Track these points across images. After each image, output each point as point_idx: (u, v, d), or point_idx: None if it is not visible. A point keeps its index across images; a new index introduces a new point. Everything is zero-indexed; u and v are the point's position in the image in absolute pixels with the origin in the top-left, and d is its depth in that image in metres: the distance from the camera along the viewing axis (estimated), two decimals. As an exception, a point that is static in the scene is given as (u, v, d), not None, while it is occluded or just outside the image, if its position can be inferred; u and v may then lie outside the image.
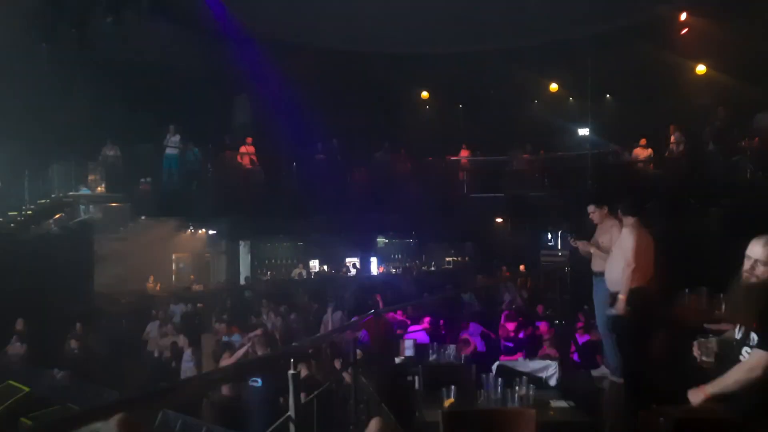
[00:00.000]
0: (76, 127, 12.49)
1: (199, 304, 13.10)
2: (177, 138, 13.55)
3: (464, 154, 15.90)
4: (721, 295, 5.94)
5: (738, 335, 2.98)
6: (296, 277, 18.66)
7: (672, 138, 12.72)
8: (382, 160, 15.52)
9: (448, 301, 11.07)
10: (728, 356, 3.00)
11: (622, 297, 4.57)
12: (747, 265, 2.89)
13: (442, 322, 9.55)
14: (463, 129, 17.40)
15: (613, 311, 4.73)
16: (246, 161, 14.50)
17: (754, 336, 2.86)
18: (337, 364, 7.13)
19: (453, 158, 15.88)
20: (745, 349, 2.90)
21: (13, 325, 9.83)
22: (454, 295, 12.03)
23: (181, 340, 9.07)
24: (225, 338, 8.86)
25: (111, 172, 13.01)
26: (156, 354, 9.85)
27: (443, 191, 15.52)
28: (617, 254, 4.83)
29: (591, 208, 5.53)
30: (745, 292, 2.91)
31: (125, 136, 12.96)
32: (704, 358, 3.07)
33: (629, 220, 4.87)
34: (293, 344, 8.34)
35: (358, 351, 7.68)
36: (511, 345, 8.57)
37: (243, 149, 14.47)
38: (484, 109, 17.31)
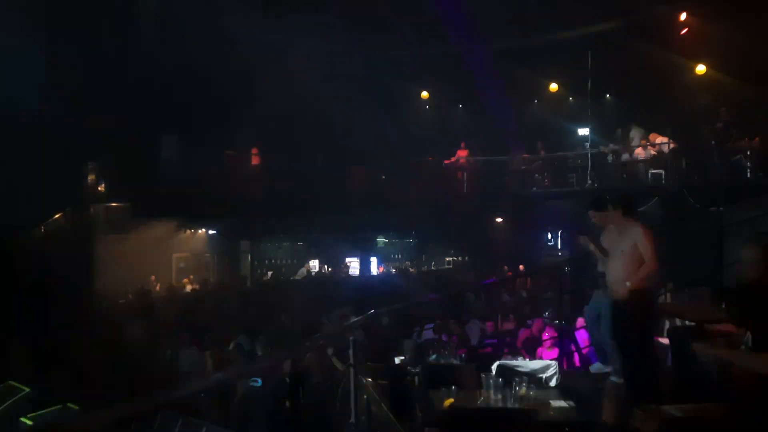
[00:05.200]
0: (77, 126, 12.48)
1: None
2: (175, 138, 13.57)
3: (463, 153, 15.90)
4: (719, 296, 5.94)
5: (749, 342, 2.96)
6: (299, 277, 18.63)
7: (658, 140, 12.91)
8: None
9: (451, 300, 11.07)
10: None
11: (629, 284, 4.57)
12: (740, 268, 3.01)
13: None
14: (463, 129, 17.41)
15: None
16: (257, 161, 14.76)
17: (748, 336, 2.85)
18: (338, 363, 7.13)
19: (453, 158, 15.88)
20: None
21: (13, 325, 9.83)
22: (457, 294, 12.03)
23: (182, 339, 9.07)
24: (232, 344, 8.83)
25: (111, 172, 13.04)
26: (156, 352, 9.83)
27: (443, 191, 15.52)
28: (618, 255, 4.75)
29: (592, 214, 5.50)
30: (740, 293, 2.99)
31: (125, 135, 12.94)
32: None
33: (629, 220, 4.80)
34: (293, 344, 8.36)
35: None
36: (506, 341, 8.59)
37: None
38: (484, 109, 17.31)
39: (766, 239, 3.04)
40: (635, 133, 13.35)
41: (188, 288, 15.67)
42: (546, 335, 7.59)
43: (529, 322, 9.10)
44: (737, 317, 3.05)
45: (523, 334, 8.52)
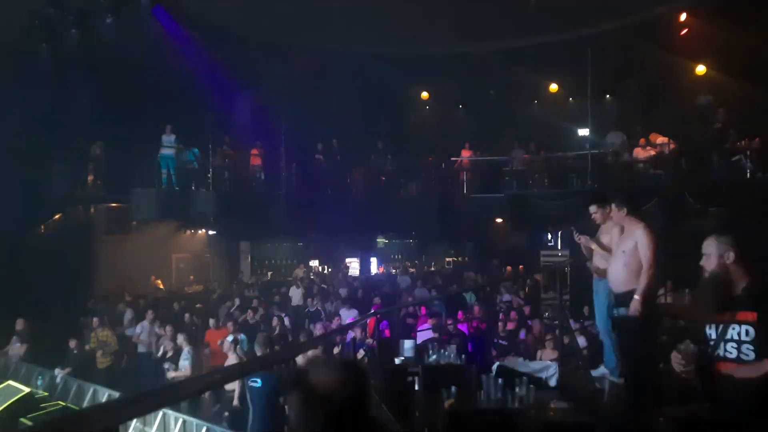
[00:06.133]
0: (76, 127, 12.48)
1: (198, 305, 13.11)
2: (173, 137, 13.54)
3: (467, 153, 15.88)
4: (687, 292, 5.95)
5: (713, 334, 2.97)
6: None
7: (658, 140, 12.95)
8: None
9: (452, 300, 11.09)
10: (706, 357, 2.99)
11: (638, 297, 4.45)
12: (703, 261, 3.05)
13: (449, 321, 9.54)
14: (463, 129, 17.40)
15: (623, 311, 4.59)
16: (257, 162, 14.83)
17: (745, 330, 2.85)
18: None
19: (454, 158, 15.87)
20: (732, 345, 2.89)
21: (13, 325, 9.84)
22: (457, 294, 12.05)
23: (180, 339, 9.05)
24: (230, 337, 8.83)
25: (110, 172, 13.03)
26: (154, 353, 9.83)
27: (443, 191, 15.52)
28: (620, 255, 4.75)
29: (593, 209, 5.47)
30: (702, 286, 3.03)
31: (125, 135, 12.94)
32: (683, 368, 3.05)
33: (633, 220, 4.79)
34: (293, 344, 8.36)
35: (359, 351, 7.70)
36: (505, 343, 8.59)
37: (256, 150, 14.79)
38: (484, 109, 17.30)
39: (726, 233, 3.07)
40: (614, 138, 13.44)
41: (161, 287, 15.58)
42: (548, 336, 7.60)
43: (529, 323, 9.12)
44: (700, 309, 3.06)
45: (524, 335, 8.54)
